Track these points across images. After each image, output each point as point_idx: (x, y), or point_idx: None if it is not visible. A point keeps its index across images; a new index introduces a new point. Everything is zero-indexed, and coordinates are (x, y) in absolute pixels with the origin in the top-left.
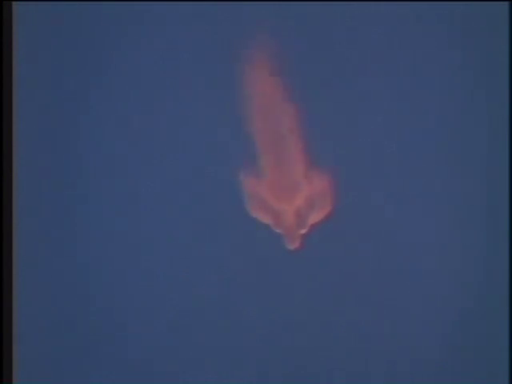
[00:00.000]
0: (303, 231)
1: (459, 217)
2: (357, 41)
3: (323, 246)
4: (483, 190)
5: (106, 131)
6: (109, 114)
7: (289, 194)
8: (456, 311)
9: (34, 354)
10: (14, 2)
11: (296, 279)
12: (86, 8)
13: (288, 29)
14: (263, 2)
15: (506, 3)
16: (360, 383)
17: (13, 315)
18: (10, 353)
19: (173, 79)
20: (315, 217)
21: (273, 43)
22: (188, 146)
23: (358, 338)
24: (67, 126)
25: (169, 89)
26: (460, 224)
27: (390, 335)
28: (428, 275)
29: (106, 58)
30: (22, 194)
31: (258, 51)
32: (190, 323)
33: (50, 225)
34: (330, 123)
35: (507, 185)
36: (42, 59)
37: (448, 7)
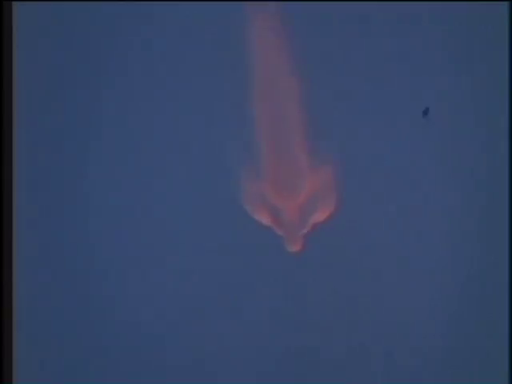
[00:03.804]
0: (305, 231)
1: (461, 216)
2: (361, 36)
3: (325, 246)
4: (485, 190)
5: (105, 130)
6: (108, 111)
7: (290, 192)
8: (456, 312)
9: (34, 354)
10: (13, 2)
11: (297, 280)
12: (85, 8)
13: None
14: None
15: (506, 3)
16: (360, 382)
17: (13, 315)
18: (10, 353)
19: (172, 76)
20: (318, 216)
21: (279, 37)
22: (186, 142)
23: (361, 339)
24: (67, 124)
25: (167, 86)
26: (461, 225)
27: (392, 337)
28: (431, 275)
29: (106, 56)
30: (22, 194)
31: (265, 40)
32: (190, 321)
33: (51, 224)
34: (334, 119)
35: (507, 185)
36: (42, 59)
37: (448, 7)
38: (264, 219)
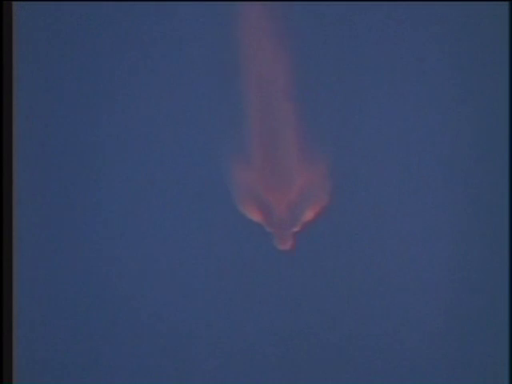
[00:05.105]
0: (295, 229)
1: (457, 214)
2: (359, 34)
3: (316, 244)
4: (483, 187)
5: (103, 127)
6: (105, 110)
7: (281, 187)
8: (455, 311)
9: (34, 354)
10: (13, 2)
11: (287, 280)
12: (86, 8)
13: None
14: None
15: (506, 3)
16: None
17: (13, 315)
18: (10, 353)
19: (166, 74)
20: (309, 213)
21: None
22: (177, 139)
23: (355, 339)
24: (67, 124)
25: (162, 85)
26: (458, 222)
27: (388, 336)
28: (425, 273)
29: (105, 56)
30: (23, 193)
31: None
32: (177, 320)
33: (50, 224)
34: (328, 115)
35: (507, 185)
36: (42, 58)
37: (448, 7)
38: (254, 216)
